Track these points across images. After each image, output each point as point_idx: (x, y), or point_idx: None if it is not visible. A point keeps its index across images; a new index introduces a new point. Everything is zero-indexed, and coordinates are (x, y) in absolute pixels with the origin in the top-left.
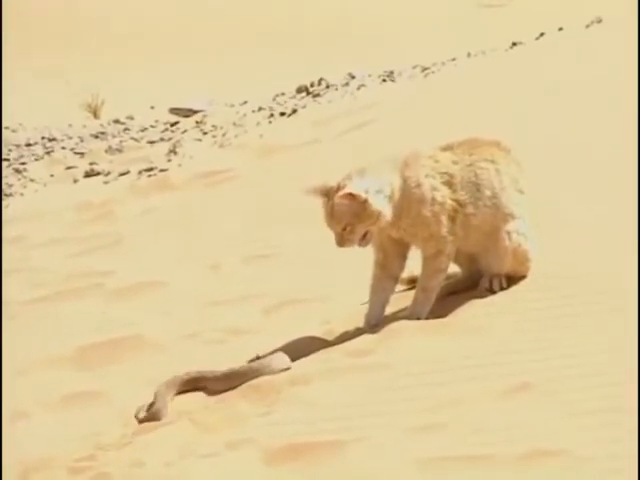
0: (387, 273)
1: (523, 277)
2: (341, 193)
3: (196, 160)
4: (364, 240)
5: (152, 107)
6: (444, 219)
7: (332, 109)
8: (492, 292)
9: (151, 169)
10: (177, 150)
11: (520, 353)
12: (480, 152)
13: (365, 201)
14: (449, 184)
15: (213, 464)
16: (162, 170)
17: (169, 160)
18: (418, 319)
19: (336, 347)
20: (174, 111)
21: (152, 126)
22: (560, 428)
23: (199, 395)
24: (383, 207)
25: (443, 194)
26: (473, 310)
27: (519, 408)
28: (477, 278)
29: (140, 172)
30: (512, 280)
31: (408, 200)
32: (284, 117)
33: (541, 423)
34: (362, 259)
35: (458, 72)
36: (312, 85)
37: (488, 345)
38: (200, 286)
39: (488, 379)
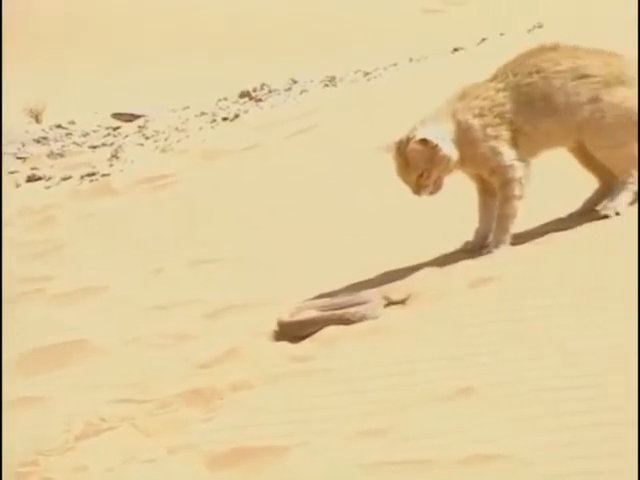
0: (489, 193)
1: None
2: (415, 139)
3: (138, 165)
4: (436, 186)
5: (94, 112)
6: (504, 149)
7: (274, 114)
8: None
9: (93, 174)
10: (119, 155)
11: (462, 358)
12: (522, 68)
13: (436, 146)
14: (500, 115)
15: (155, 469)
16: (104, 175)
17: (111, 165)
18: (495, 245)
19: (279, 352)
20: (116, 116)
21: (94, 131)
22: (501, 433)
23: (141, 400)
24: (451, 151)
25: (495, 127)
26: (415, 315)
27: (461, 413)
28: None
29: (82, 177)
30: (455, 285)
31: (464, 143)
32: (226, 122)
33: (483, 428)
34: (305, 263)
35: (400, 77)
36: (254, 90)
37: (430, 350)
38: (143, 291)
39: (430, 384)
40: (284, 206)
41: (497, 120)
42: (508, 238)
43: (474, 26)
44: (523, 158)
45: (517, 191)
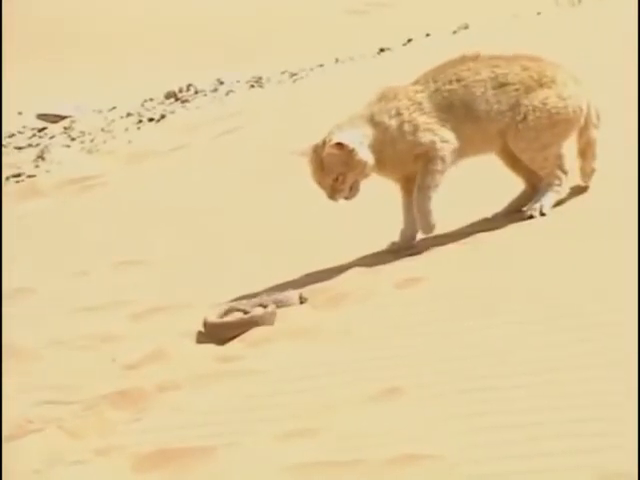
0: (411, 193)
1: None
2: (331, 143)
3: (64, 166)
4: (352, 190)
5: (19, 113)
6: (423, 134)
7: (201, 115)
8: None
9: (19, 175)
10: (45, 156)
11: (390, 358)
12: (443, 76)
13: (352, 150)
14: (418, 110)
15: (82, 471)
16: (30, 176)
17: (37, 166)
18: (423, 218)
19: (206, 353)
20: (42, 117)
21: (19, 132)
22: (429, 433)
23: (68, 402)
24: (367, 156)
25: (412, 121)
26: (343, 316)
27: (389, 413)
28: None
29: (7, 178)
30: (382, 286)
31: (382, 145)
32: (153, 123)
33: (411, 428)
34: (230, 265)
35: (326, 78)
36: (181, 91)
37: (358, 350)
38: (69, 292)
39: (358, 384)
40: (210, 207)
41: (415, 114)
42: (429, 207)
43: (400, 27)
44: (444, 138)
45: (439, 166)
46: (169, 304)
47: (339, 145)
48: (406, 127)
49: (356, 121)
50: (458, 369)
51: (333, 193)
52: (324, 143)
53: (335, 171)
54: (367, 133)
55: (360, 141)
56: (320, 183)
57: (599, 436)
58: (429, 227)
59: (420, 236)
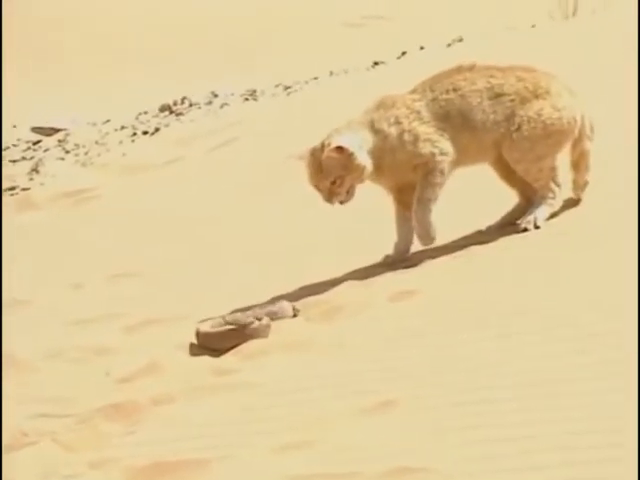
0: (405, 205)
1: None
2: (331, 147)
3: (59, 179)
4: (348, 195)
5: (14, 126)
6: (423, 144)
7: (195, 128)
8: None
9: (13, 188)
10: (39, 169)
11: (385, 371)
12: (440, 86)
13: (352, 154)
14: (418, 119)
15: None
16: (24, 189)
17: (31, 179)
18: (424, 230)
19: (200, 366)
20: (36, 130)
21: (14, 145)
22: (424, 446)
23: (62, 415)
24: (366, 161)
25: (412, 130)
26: (338, 328)
27: (384, 426)
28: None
29: (2, 191)
30: (376, 298)
31: (382, 152)
32: (147, 136)
33: (406, 440)
34: (225, 277)
35: (320, 91)
36: (175, 104)
37: (352, 363)
38: (63, 305)
39: (353, 397)
40: (204, 220)
41: (415, 123)
42: (430, 219)
43: (394, 40)
44: (444, 150)
45: (439, 179)
46: (163, 316)
47: (339, 149)
48: (406, 136)
49: (355, 126)
50: (452, 382)
51: (330, 196)
52: (322, 146)
53: (333, 174)
54: (366, 138)
55: (359, 145)
56: (317, 186)
57: (595, 449)
58: (430, 239)
59: (414, 249)
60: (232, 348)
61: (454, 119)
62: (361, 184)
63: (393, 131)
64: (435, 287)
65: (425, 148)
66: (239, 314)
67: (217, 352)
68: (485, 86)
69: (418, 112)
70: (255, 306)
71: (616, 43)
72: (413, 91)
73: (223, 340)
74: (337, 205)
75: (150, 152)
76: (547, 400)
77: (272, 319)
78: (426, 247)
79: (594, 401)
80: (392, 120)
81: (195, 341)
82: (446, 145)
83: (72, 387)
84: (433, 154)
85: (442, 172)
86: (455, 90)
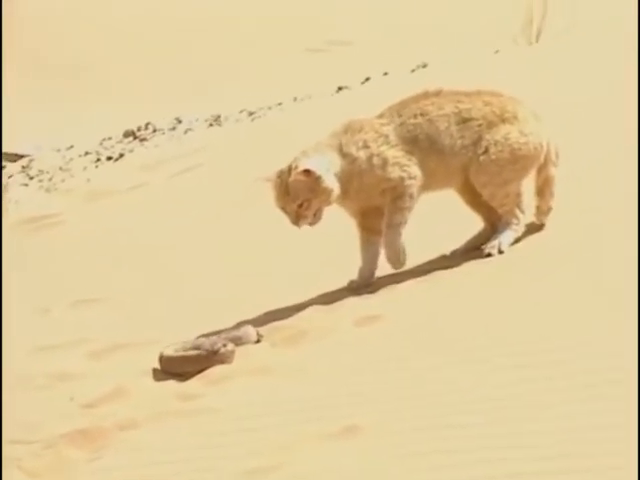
0: (370, 230)
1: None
2: (299, 170)
3: (23, 205)
4: (315, 217)
5: None
6: (392, 168)
7: (159, 153)
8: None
9: None
10: (3, 195)
11: (349, 396)
12: (407, 111)
13: (319, 177)
14: (385, 143)
15: None
16: None
17: None
18: (395, 255)
19: (165, 391)
20: None
21: None
22: (389, 471)
23: (27, 441)
24: (334, 184)
25: (380, 154)
26: (302, 353)
27: (348, 451)
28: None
29: None
30: (341, 323)
31: (350, 176)
32: (111, 161)
33: (370, 465)
34: (189, 302)
35: (285, 116)
36: (139, 129)
37: (317, 388)
38: (28, 331)
39: (317, 422)
40: (168, 245)
41: (383, 147)
42: (400, 243)
43: (358, 65)
44: (412, 174)
45: (408, 204)
46: (128, 342)
47: (306, 172)
48: (375, 160)
49: (323, 149)
50: (417, 406)
51: (297, 219)
52: (290, 169)
53: (301, 197)
54: (334, 161)
55: (327, 168)
56: (284, 209)
57: (565, 474)
58: (400, 263)
59: (379, 273)
60: (196, 373)
61: (422, 143)
62: (328, 208)
63: (362, 155)
64: (400, 312)
65: (394, 172)
66: (203, 339)
67: (182, 377)
68: (452, 111)
69: (386, 136)
70: (219, 331)
71: (579, 68)
72: (380, 115)
73: (186, 365)
74: (302, 229)
75: (114, 178)
76: (513, 425)
77: (237, 344)
78: (390, 272)
79: (562, 426)
80: (360, 144)
81: (158, 365)
82: (414, 169)
83: (37, 413)
84: (402, 178)
85: (411, 196)
86: (423, 115)
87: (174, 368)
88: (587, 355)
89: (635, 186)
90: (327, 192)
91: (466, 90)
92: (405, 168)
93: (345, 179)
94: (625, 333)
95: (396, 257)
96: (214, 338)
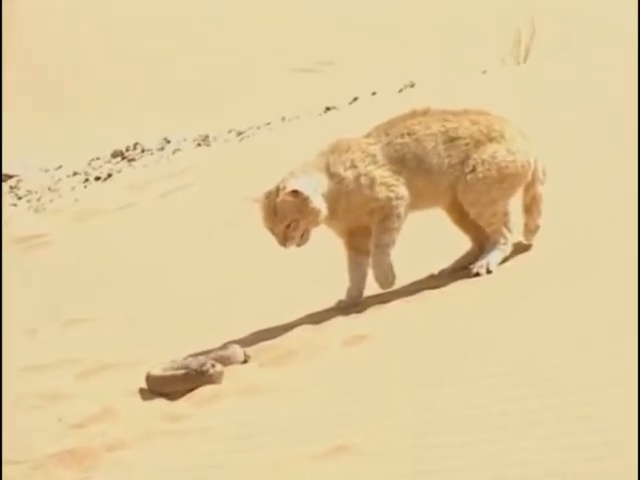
0: (357, 250)
1: None
2: (286, 190)
3: (11, 225)
4: (303, 238)
5: None
6: (380, 188)
7: (148, 173)
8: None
9: None
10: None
11: (338, 416)
12: (394, 130)
13: (307, 198)
14: (373, 162)
15: None
16: None
17: None
18: (383, 275)
19: (154, 411)
20: None
21: None
22: None
23: (16, 462)
24: (321, 204)
25: (368, 174)
26: (290, 373)
27: (338, 470)
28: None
29: None
30: (329, 343)
31: (337, 196)
32: (99, 182)
33: None
34: (177, 322)
35: (273, 136)
36: (127, 149)
37: (306, 408)
38: (17, 351)
39: (306, 442)
40: (157, 265)
41: (370, 167)
42: (388, 263)
43: (346, 85)
44: (400, 194)
45: (396, 224)
46: (117, 362)
47: (294, 192)
48: (362, 180)
49: (310, 169)
50: (406, 426)
51: (284, 240)
52: (277, 189)
53: (288, 218)
54: (322, 182)
55: (315, 189)
56: (272, 229)
57: None
58: (389, 282)
59: (367, 293)
60: (184, 393)
61: (409, 163)
62: (316, 228)
63: (349, 175)
64: (388, 331)
65: (381, 192)
66: (190, 359)
67: (170, 397)
68: (440, 130)
69: (373, 156)
70: (207, 351)
71: (567, 88)
72: (368, 135)
73: (173, 384)
74: (290, 249)
75: (102, 198)
76: (503, 444)
77: (224, 364)
78: (378, 291)
79: (552, 445)
80: (348, 164)
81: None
82: (402, 189)
83: (26, 433)
84: (389, 198)
85: (399, 216)
86: (410, 134)
87: (161, 388)
88: (577, 373)
89: (623, 204)
90: (315, 213)
91: (453, 109)
92: (392, 188)
93: (333, 199)
94: (616, 350)
95: (385, 277)
96: (202, 358)
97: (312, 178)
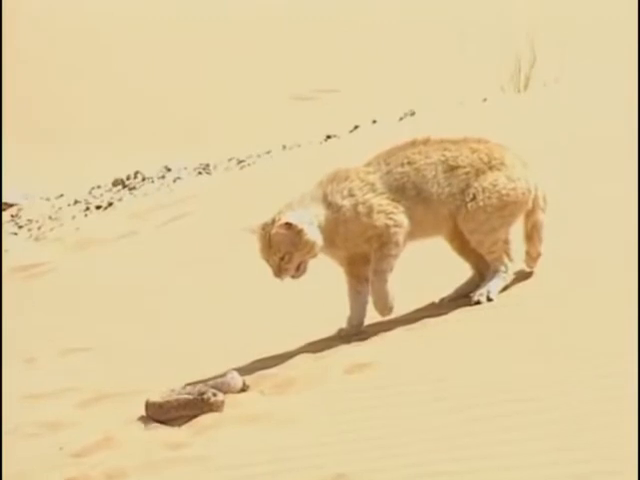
0: (358, 279)
1: None
2: (279, 223)
3: (12, 254)
4: (299, 271)
5: None
6: (378, 216)
7: (148, 202)
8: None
9: None
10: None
11: (338, 444)
12: (394, 159)
13: (301, 230)
14: (372, 190)
15: None
16: None
17: None
18: (381, 301)
19: (154, 440)
20: None
21: None
22: None
23: None
24: (316, 237)
25: (366, 202)
26: (292, 401)
27: None
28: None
29: None
30: (331, 371)
31: (335, 225)
32: (100, 210)
33: None
34: (177, 351)
35: (273, 164)
36: (128, 178)
37: (306, 436)
38: (16, 380)
39: (306, 471)
40: (157, 294)
41: (368, 195)
42: (387, 290)
43: (346, 113)
44: (398, 222)
45: (394, 251)
46: (116, 391)
47: (287, 225)
48: (360, 208)
49: (307, 201)
50: (407, 454)
51: (279, 272)
52: (273, 221)
53: (282, 250)
54: (318, 213)
55: (310, 221)
56: (267, 261)
57: None
58: (387, 309)
59: (367, 321)
60: (184, 421)
61: (409, 192)
62: (317, 257)
63: (347, 203)
64: (389, 360)
65: (379, 220)
66: (190, 387)
67: (170, 425)
68: (439, 159)
69: (372, 184)
70: (207, 379)
71: (566, 116)
72: (368, 164)
73: (172, 412)
74: (289, 279)
75: (103, 226)
76: (503, 473)
77: (225, 392)
78: (380, 320)
79: (551, 474)
80: (345, 192)
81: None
82: (401, 217)
83: (26, 462)
84: (387, 226)
85: (397, 244)
86: (410, 163)
87: (161, 415)
88: (579, 401)
89: (624, 230)
90: (309, 245)
91: (453, 138)
92: (391, 216)
93: (330, 228)
94: (617, 379)
95: (383, 304)
96: (201, 386)
97: (308, 210)
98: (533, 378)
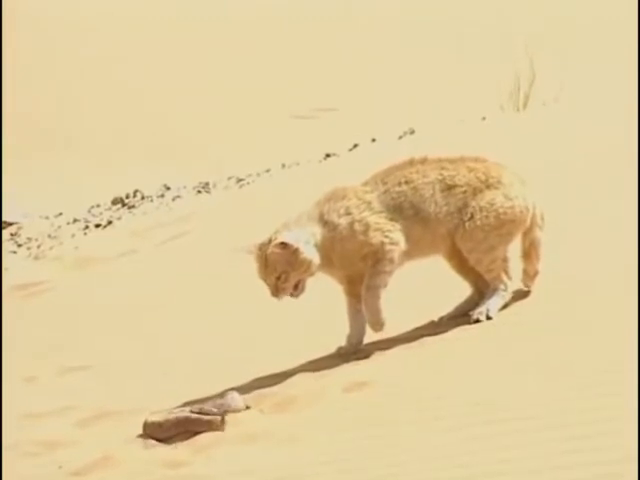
0: (357, 297)
1: None
2: (275, 243)
3: (11, 272)
4: (297, 290)
5: None
6: (374, 233)
7: (148, 220)
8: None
9: None
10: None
11: (338, 462)
12: (392, 178)
13: (296, 250)
14: (368, 209)
15: None
16: None
17: None
18: (373, 317)
19: (153, 459)
20: None
21: None
22: None
23: None
24: (313, 256)
25: (362, 220)
26: (291, 420)
27: None
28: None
29: None
30: (330, 390)
31: (331, 243)
32: (99, 229)
33: None
34: (177, 370)
35: (273, 183)
36: (127, 197)
37: (306, 455)
38: (15, 398)
39: None
40: (156, 313)
41: (365, 213)
42: (379, 306)
43: (345, 132)
44: (394, 240)
45: (388, 267)
46: (116, 409)
47: (283, 244)
48: (357, 226)
49: (304, 220)
50: (405, 473)
51: (276, 291)
52: (270, 241)
53: (278, 269)
54: (315, 232)
55: (306, 240)
56: (265, 280)
57: None
58: (379, 325)
59: (367, 339)
60: (184, 439)
61: (407, 211)
62: (316, 275)
63: (343, 222)
64: (388, 378)
65: (375, 237)
66: (187, 408)
67: (169, 444)
68: (437, 178)
69: (369, 203)
70: (206, 398)
71: (566, 135)
72: (365, 183)
73: (171, 431)
74: (289, 297)
75: (103, 245)
76: None
77: (226, 412)
78: (379, 338)
79: None
80: (342, 211)
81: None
82: (397, 235)
83: None
84: (383, 243)
85: (391, 261)
86: (407, 183)
87: (161, 434)
88: (578, 421)
89: (622, 250)
90: (305, 264)
91: (450, 157)
92: (387, 234)
93: (327, 247)
94: (616, 399)
95: (375, 319)
96: (200, 406)
97: (305, 229)
98: (532, 396)
